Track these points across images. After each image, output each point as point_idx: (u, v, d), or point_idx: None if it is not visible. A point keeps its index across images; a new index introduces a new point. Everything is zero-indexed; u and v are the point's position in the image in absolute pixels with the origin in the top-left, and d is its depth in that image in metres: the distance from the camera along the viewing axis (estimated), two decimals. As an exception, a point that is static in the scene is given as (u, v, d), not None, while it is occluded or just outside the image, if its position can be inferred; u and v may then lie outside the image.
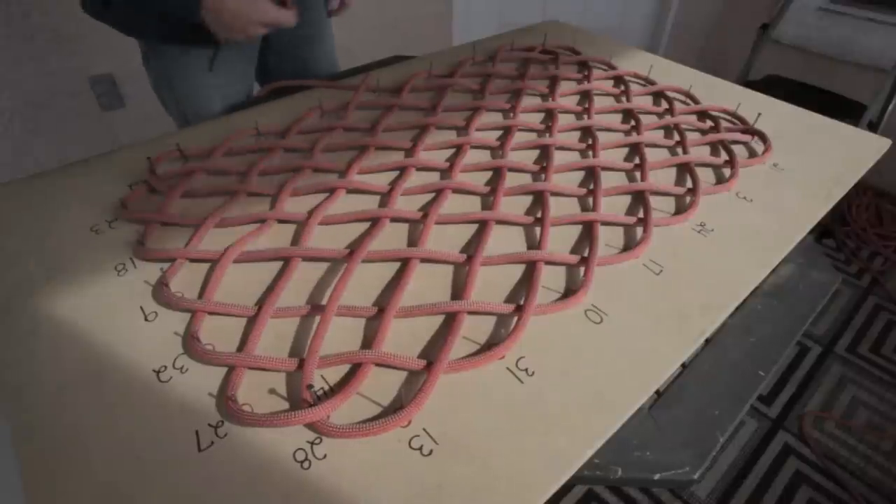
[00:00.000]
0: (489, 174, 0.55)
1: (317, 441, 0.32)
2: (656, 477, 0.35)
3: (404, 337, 0.38)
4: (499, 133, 0.62)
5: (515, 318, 0.39)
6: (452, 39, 1.81)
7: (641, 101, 0.71)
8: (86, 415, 0.33)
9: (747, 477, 1.07)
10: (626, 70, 0.76)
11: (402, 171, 0.54)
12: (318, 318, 0.38)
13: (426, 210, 0.49)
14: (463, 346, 0.38)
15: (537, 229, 0.48)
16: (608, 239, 0.48)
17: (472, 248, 0.46)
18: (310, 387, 0.33)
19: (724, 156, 0.60)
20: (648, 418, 0.38)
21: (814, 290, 0.51)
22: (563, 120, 0.65)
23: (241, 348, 0.37)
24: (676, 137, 0.63)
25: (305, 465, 0.31)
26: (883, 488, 1.05)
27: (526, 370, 0.36)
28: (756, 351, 0.44)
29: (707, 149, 0.62)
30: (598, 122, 0.64)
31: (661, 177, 0.57)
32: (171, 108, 0.78)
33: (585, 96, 0.70)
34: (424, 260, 0.44)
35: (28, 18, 1.12)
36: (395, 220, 0.49)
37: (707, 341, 0.44)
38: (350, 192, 0.52)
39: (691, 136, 0.63)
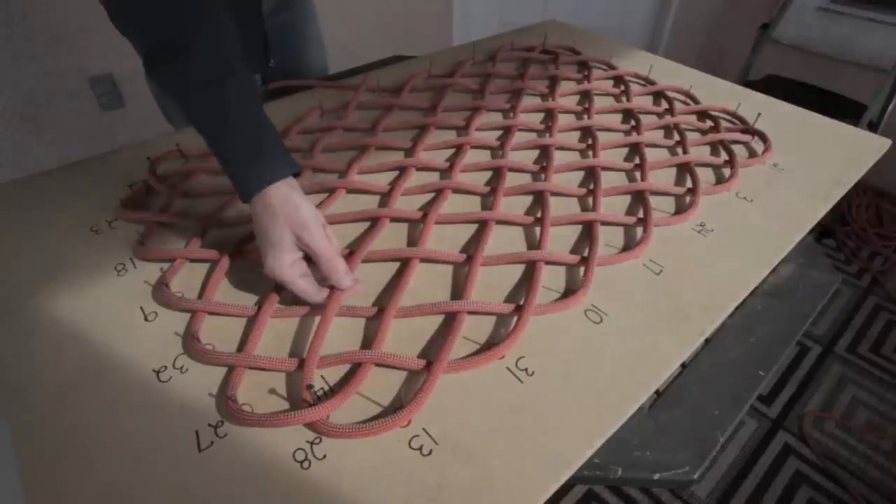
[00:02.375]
0: (489, 174, 0.55)
1: (317, 441, 0.32)
2: (656, 477, 0.35)
3: (404, 337, 0.38)
4: (499, 133, 0.62)
5: (515, 318, 0.39)
6: (452, 39, 1.80)
7: (641, 101, 0.71)
8: (86, 415, 0.33)
9: (747, 477, 1.06)
10: (626, 70, 0.76)
11: (402, 171, 0.54)
12: (318, 318, 0.38)
13: (426, 210, 0.49)
14: (463, 346, 0.38)
15: (537, 229, 0.48)
16: (608, 239, 0.48)
17: (471, 248, 0.46)
18: (310, 387, 0.33)
19: (724, 156, 0.60)
20: (648, 418, 0.38)
21: (814, 290, 0.51)
22: (563, 120, 0.65)
23: (241, 348, 0.37)
24: (676, 137, 0.63)
25: (305, 465, 0.31)
26: (883, 488, 1.05)
27: (526, 370, 0.36)
28: (756, 351, 0.44)
29: (707, 149, 0.62)
30: (598, 122, 0.64)
31: (661, 177, 0.57)
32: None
33: (585, 96, 0.70)
34: (424, 260, 0.44)
35: (28, 18, 1.12)
36: (395, 220, 0.49)
37: (707, 341, 0.44)
38: (350, 192, 0.52)
39: (691, 136, 0.63)
